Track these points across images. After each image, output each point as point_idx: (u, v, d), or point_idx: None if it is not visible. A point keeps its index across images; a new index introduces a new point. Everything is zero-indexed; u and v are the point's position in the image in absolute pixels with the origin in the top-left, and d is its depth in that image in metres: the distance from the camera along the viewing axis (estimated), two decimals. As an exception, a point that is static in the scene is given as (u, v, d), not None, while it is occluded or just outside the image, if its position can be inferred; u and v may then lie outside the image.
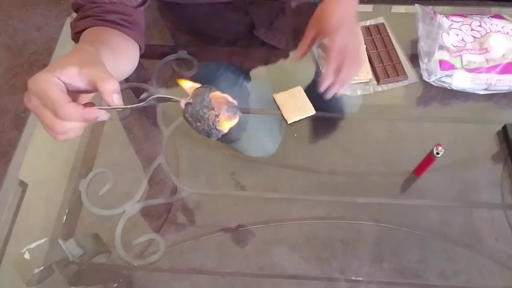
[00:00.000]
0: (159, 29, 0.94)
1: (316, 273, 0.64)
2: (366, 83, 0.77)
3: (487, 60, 0.75)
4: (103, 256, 0.65)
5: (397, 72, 0.77)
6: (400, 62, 0.78)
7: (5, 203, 0.68)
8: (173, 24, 0.93)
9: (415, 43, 0.80)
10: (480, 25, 0.78)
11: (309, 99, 0.76)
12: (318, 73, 0.80)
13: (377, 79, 0.77)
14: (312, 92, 0.75)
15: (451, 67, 0.74)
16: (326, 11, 0.69)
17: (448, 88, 0.75)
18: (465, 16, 0.80)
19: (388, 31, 0.82)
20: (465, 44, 0.76)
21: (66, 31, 0.80)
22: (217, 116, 0.46)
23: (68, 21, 0.84)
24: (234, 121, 0.48)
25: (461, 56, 0.75)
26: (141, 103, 0.48)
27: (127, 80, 0.78)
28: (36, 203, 0.71)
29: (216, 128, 0.47)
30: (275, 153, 0.74)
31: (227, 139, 0.78)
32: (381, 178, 0.72)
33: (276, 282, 0.65)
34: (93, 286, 0.68)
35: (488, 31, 0.77)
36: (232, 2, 0.82)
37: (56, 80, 0.43)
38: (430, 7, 0.82)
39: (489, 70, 0.74)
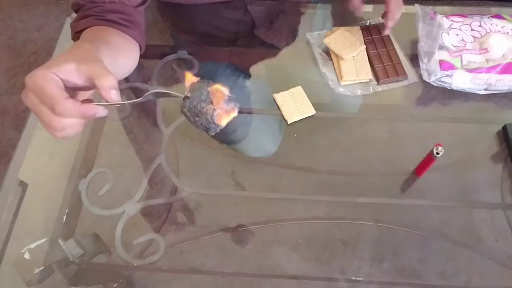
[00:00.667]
0: (159, 29, 0.94)
1: (316, 273, 0.64)
2: (366, 83, 0.77)
3: (487, 60, 0.75)
4: (103, 256, 0.65)
5: (397, 72, 0.77)
6: (400, 62, 0.78)
7: (5, 203, 0.68)
8: (173, 24, 0.93)
9: (415, 43, 0.80)
10: (480, 25, 0.78)
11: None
12: (318, 73, 0.80)
13: (377, 79, 0.77)
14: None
15: (451, 67, 0.74)
16: None
17: (448, 88, 0.75)
18: (465, 16, 0.80)
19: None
20: (465, 44, 0.76)
21: (66, 31, 0.80)
22: (215, 110, 0.46)
23: (68, 21, 0.84)
24: (233, 115, 0.48)
25: (461, 56, 0.75)
26: (139, 99, 0.48)
27: (127, 80, 0.78)
28: (36, 203, 0.71)
29: (214, 123, 0.47)
30: (275, 153, 0.74)
31: (226, 139, 0.78)
32: (381, 178, 0.72)
33: (276, 282, 0.65)
34: (93, 286, 0.68)
35: (488, 31, 0.77)
36: (232, 2, 0.82)
37: (53, 76, 0.43)
38: (430, 7, 0.82)
39: (489, 70, 0.74)
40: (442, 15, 0.79)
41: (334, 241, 0.66)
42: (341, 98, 0.78)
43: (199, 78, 0.47)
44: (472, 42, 0.76)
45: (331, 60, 0.80)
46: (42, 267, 0.61)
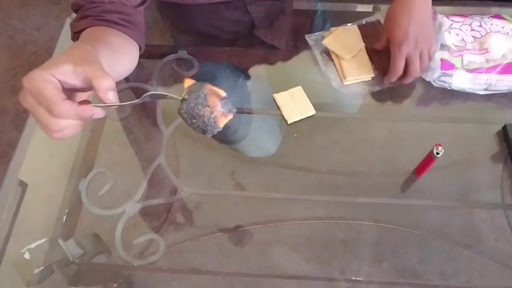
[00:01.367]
0: (159, 29, 0.94)
1: (316, 273, 0.64)
2: (369, 81, 0.77)
3: (487, 60, 0.75)
4: (103, 256, 0.65)
5: None
6: None
7: (5, 203, 0.68)
8: (173, 24, 0.93)
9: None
10: (480, 25, 0.78)
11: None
12: (318, 73, 0.80)
13: (380, 76, 0.77)
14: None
15: (452, 66, 0.74)
16: (392, 19, 0.72)
17: (448, 88, 0.75)
18: (465, 16, 0.80)
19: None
20: (465, 44, 0.76)
21: (66, 31, 0.80)
22: (212, 112, 0.46)
23: (68, 21, 0.84)
24: (229, 117, 0.48)
25: (462, 56, 0.75)
26: (136, 100, 0.48)
27: (127, 80, 0.78)
28: (36, 203, 0.71)
29: (211, 125, 0.47)
30: (275, 153, 0.74)
31: (226, 139, 0.78)
32: (381, 178, 0.72)
33: (276, 282, 0.65)
34: (93, 286, 0.68)
35: (488, 31, 0.77)
36: (232, 2, 0.82)
37: (51, 78, 0.43)
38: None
39: (489, 70, 0.74)
40: (443, 15, 0.79)
41: (334, 241, 0.66)
42: (341, 98, 0.78)
43: (195, 81, 0.47)
44: (472, 42, 0.76)
45: (332, 60, 0.80)
46: (42, 267, 0.61)
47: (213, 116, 0.46)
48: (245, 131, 0.78)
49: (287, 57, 0.85)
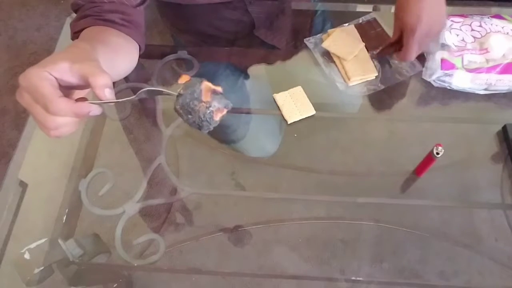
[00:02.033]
0: (159, 29, 0.94)
1: (316, 273, 0.64)
2: (373, 80, 0.77)
3: (487, 60, 0.75)
4: (103, 256, 0.65)
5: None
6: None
7: (5, 203, 0.68)
8: (173, 24, 0.93)
9: (415, 43, 0.80)
10: (480, 25, 0.78)
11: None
12: (317, 72, 0.80)
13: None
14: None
15: (452, 66, 0.74)
16: (403, 9, 0.70)
17: (448, 88, 0.75)
18: (465, 16, 0.80)
19: (382, 24, 0.82)
20: (465, 44, 0.76)
21: (66, 31, 0.80)
22: (207, 108, 0.46)
23: (68, 21, 0.84)
24: (225, 113, 0.48)
25: (462, 56, 0.75)
26: (132, 97, 0.48)
27: (127, 80, 0.78)
28: (36, 203, 0.71)
29: (207, 120, 0.46)
30: (275, 153, 0.74)
31: (226, 139, 0.78)
32: (381, 178, 0.72)
33: (276, 282, 0.65)
34: (93, 286, 0.68)
35: (488, 31, 0.77)
36: (232, 2, 0.82)
37: (47, 75, 0.43)
38: (430, 7, 0.81)
39: (489, 70, 0.74)
40: (442, 15, 0.79)
41: (334, 241, 0.66)
42: (342, 98, 0.78)
43: (191, 77, 0.47)
44: (472, 42, 0.76)
45: (334, 62, 0.80)
46: (42, 267, 0.61)
47: (208, 111, 0.46)
48: (245, 131, 0.78)
49: (287, 57, 0.85)
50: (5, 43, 1.73)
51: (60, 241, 0.63)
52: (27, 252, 0.62)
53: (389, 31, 0.81)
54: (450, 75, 0.74)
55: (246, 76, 0.85)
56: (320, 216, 0.69)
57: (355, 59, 0.78)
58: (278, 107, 0.76)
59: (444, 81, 0.75)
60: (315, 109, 0.75)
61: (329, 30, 0.82)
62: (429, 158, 0.65)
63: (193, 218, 0.69)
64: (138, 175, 0.71)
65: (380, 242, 0.66)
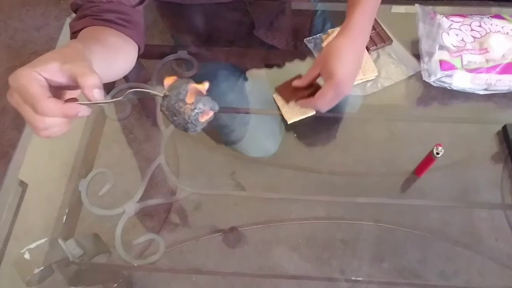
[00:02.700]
0: (159, 29, 0.94)
1: (316, 273, 0.64)
2: (373, 80, 0.77)
3: (487, 60, 0.75)
4: (103, 256, 0.65)
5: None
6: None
7: (5, 203, 0.68)
8: (173, 24, 0.93)
9: (415, 43, 0.80)
10: (480, 25, 0.78)
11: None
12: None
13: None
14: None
15: (452, 67, 0.74)
16: (335, 56, 0.64)
17: (448, 88, 0.75)
18: (465, 16, 0.80)
19: (382, 25, 0.82)
20: (465, 44, 0.76)
21: (66, 31, 0.80)
22: (193, 110, 0.45)
23: (68, 21, 0.84)
24: (211, 115, 0.47)
25: (461, 56, 0.75)
26: (120, 98, 0.48)
27: (127, 80, 0.78)
28: (36, 203, 0.71)
29: (192, 122, 0.46)
30: (275, 153, 0.74)
31: (226, 140, 0.78)
32: (381, 178, 0.72)
33: (276, 282, 0.65)
34: (93, 286, 0.68)
35: (488, 31, 0.77)
36: (232, 2, 0.82)
37: (36, 75, 0.43)
38: (430, 7, 0.82)
39: (489, 70, 0.74)
40: (442, 15, 0.79)
41: (334, 241, 0.66)
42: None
43: (177, 78, 0.47)
44: (472, 42, 0.76)
45: None
46: (42, 267, 0.61)
47: (193, 113, 0.45)
48: (245, 131, 0.78)
49: (287, 57, 0.85)
50: (5, 43, 1.73)
51: (60, 241, 0.63)
52: (27, 252, 0.62)
53: (389, 31, 0.81)
54: (449, 76, 0.74)
55: (246, 77, 0.85)
56: (320, 216, 0.69)
57: (355, 59, 0.78)
58: (278, 107, 0.76)
59: (444, 82, 0.75)
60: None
61: (329, 30, 0.82)
62: (429, 158, 0.65)
63: (193, 218, 0.69)
64: (138, 175, 0.71)
65: (380, 242, 0.66)
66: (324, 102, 0.67)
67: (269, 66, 0.86)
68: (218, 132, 0.77)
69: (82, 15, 0.61)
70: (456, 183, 0.71)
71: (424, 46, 0.77)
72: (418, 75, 0.77)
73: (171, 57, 0.82)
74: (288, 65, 0.84)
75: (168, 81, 0.46)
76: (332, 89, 0.65)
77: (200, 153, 0.77)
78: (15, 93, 0.43)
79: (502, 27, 0.77)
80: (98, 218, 0.67)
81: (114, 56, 0.59)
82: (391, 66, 0.79)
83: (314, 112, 0.74)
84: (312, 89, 0.71)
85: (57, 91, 0.46)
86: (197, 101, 0.45)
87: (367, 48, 0.80)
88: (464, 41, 0.76)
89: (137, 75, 0.78)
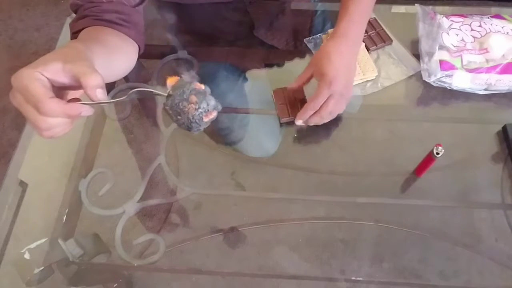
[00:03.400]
0: (159, 29, 0.94)
1: (316, 273, 0.64)
2: (373, 80, 0.77)
3: (487, 60, 0.75)
4: (103, 256, 0.65)
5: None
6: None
7: (5, 203, 0.68)
8: (173, 24, 0.93)
9: (415, 43, 0.80)
10: (480, 25, 0.78)
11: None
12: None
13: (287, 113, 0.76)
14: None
15: (451, 67, 0.74)
16: (325, 58, 0.68)
17: (448, 88, 0.75)
18: (465, 16, 0.80)
19: (382, 25, 0.82)
20: (465, 44, 0.76)
21: (66, 31, 0.80)
22: (196, 109, 0.45)
23: (68, 21, 0.84)
24: (214, 115, 0.48)
25: (461, 56, 0.75)
26: (123, 97, 0.48)
27: (127, 80, 0.78)
28: (36, 203, 0.71)
29: (196, 122, 0.46)
30: (275, 153, 0.74)
31: (226, 140, 0.78)
32: (381, 178, 0.72)
33: (276, 282, 0.65)
34: (93, 286, 0.68)
35: (488, 31, 0.77)
36: (232, 2, 0.82)
37: (39, 75, 0.43)
38: (430, 7, 0.82)
39: (489, 70, 0.74)
40: (442, 15, 0.79)
41: (334, 241, 0.66)
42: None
43: (179, 78, 0.47)
44: (472, 42, 0.76)
45: None
46: (42, 267, 0.61)
47: (197, 113, 0.45)
48: (245, 131, 0.78)
49: (287, 57, 0.85)
50: (5, 43, 1.73)
51: (60, 241, 0.63)
52: (27, 252, 0.62)
53: (389, 31, 0.81)
54: (449, 76, 0.74)
55: (246, 77, 0.85)
56: (320, 216, 0.69)
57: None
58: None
59: (444, 82, 0.75)
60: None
61: (329, 30, 0.82)
62: (429, 158, 0.65)
63: (193, 218, 0.69)
64: (138, 175, 0.71)
65: (380, 242, 0.66)
66: (318, 102, 0.67)
67: (269, 66, 0.86)
68: (218, 132, 0.77)
69: (82, 15, 0.61)
70: (456, 183, 0.71)
71: (424, 46, 0.77)
72: (418, 75, 0.77)
73: (171, 57, 0.82)
74: (288, 65, 0.84)
75: (171, 81, 0.47)
76: (325, 87, 0.66)
77: (200, 153, 0.77)
78: (18, 94, 0.43)
79: (502, 27, 0.77)
80: (98, 218, 0.67)
81: (114, 56, 0.59)
82: (391, 66, 0.79)
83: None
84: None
85: (59, 91, 0.46)
86: (201, 100, 0.46)
87: (367, 48, 0.80)
88: (464, 41, 0.76)
89: (137, 75, 0.78)
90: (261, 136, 0.78)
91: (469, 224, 0.67)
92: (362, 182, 0.72)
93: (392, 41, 0.81)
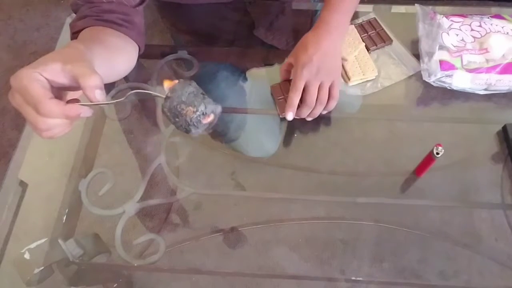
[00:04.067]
0: (159, 29, 0.94)
1: (316, 273, 0.64)
2: (373, 80, 0.77)
3: (487, 60, 0.75)
4: (103, 256, 0.65)
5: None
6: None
7: (5, 203, 0.68)
8: (173, 24, 0.93)
9: (415, 43, 0.80)
10: (480, 25, 0.78)
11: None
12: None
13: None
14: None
15: (451, 67, 0.74)
16: (302, 44, 0.71)
17: (448, 88, 0.75)
18: (465, 16, 0.80)
19: (382, 25, 0.82)
20: (465, 44, 0.76)
21: (66, 31, 0.80)
22: (194, 112, 0.45)
23: (68, 21, 0.84)
24: (213, 117, 0.47)
25: (461, 56, 0.75)
26: (121, 99, 0.48)
27: (127, 80, 0.78)
28: (36, 203, 0.71)
29: (194, 124, 0.46)
30: (275, 153, 0.74)
31: (225, 138, 0.78)
32: (381, 178, 0.72)
33: (276, 282, 0.65)
34: (93, 286, 0.68)
35: (488, 31, 0.77)
36: (232, 2, 0.82)
37: (38, 76, 0.43)
38: (430, 7, 0.82)
39: (489, 70, 0.74)
40: (442, 15, 0.79)
41: (334, 241, 0.66)
42: (341, 98, 0.78)
43: (177, 81, 0.47)
44: (472, 42, 0.76)
45: None
46: (42, 267, 0.61)
47: (195, 116, 0.45)
48: (245, 131, 0.78)
49: (286, 57, 0.85)
50: (5, 43, 1.73)
51: (60, 241, 0.63)
52: (27, 252, 0.62)
53: (389, 31, 0.81)
54: (449, 76, 0.74)
55: (246, 76, 0.85)
56: (320, 216, 0.69)
57: (355, 60, 0.78)
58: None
59: (444, 82, 0.75)
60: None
61: None
62: (429, 158, 0.65)
63: (193, 218, 0.69)
64: (138, 175, 0.71)
65: (380, 242, 0.66)
66: (296, 86, 0.69)
67: (269, 66, 0.86)
68: (218, 132, 0.77)
69: (83, 16, 0.61)
70: (456, 183, 0.71)
71: (424, 46, 0.77)
72: (418, 75, 0.77)
73: (171, 57, 0.82)
74: (288, 65, 0.84)
75: (168, 85, 0.46)
76: (298, 70, 0.69)
77: (200, 153, 0.77)
78: (17, 94, 0.43)
79: (502, 27, 0.77)
80: (98, 218, 0.67)
81: (114, 56, 0.59)
82: (391, 66, 0.79)
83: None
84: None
85: (58, 92, 0.46)
86: (199, 103, 0.45)
87: (367, 48, 0.80)
88: (464, 41, 0.76)
89: (137, 75, 0.78)
90: (261, 136, 0.78)
91: (469, 224, 0.67)
92: (362, 182, 0.72)
93: (392, 41, 0.81)
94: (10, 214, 0.67)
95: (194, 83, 0.47)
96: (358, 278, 0.63)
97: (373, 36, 0.81)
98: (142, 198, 0.68)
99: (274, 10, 0.86)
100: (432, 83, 0.75)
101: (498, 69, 0.73)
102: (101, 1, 0.62)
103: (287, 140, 0.75)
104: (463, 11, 0.83)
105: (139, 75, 0.79)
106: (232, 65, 0.86)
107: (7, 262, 0.64)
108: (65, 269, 0.64)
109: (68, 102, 0.46)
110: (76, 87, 0.45)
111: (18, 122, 1.50)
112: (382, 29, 0.81)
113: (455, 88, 0.75)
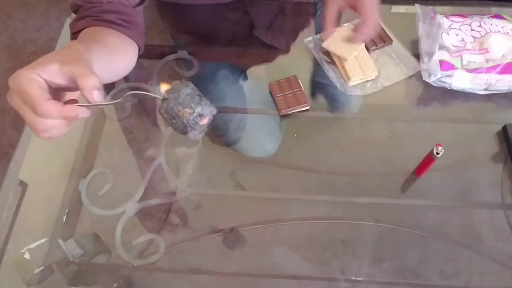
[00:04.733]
0: (159, 29, 0.94)
1: (316, 273, 0.64)
2: (373, 80, 0.77)
3: (487, 60, 0.75)
4: (103, 256, 0.65)
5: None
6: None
7: (5, 203, 0.68)
8: (172, 24, 0.93)
9: (415, 43, 0.80)
10: (480, 25, 0.78)
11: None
12: (317, 72, 0.80)
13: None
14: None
15: (451, 67, 0.74)
16: None
17: (448, 88, 0.75)
18: (465, 16, 0.80)
19: (382, 25, 0.82)
20: (465, 44, 0.76)
21: (66, 31, 0.80)
22: (191, 114, 0.45)
23: (68, 21, 0.84)
24: (210, 119, 0.47)
25: (461, 56, 0.75)
26: (119, 100, 0.48)
27: (127, 80, 0.78)
28: (36, 203, 0.71)
29: (191, 126, 0.46)
30: (275, 153, 0.74)
31: (225, 140, 0.78)
32: (381, 178, 0.72)
33: (276, 282, 0.65)
34: (93, 286, 0.68)
35: (488, 31, 0.77)
36: (232, 3, 0.82)
37: (36, 77, 0.43)
38: (430, 7, 0.82)
39: (489, 70, 0.74)
40: (442, 15, 0.79)
41: (334, 241, 0.66)
42: (342, 97, 0.78)
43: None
44: (472, 42, 0.76)
45: (334, 63, 0.79)
46: (42, 267, 0.61)
47: (192, 117, 0.45)
48: (245, 131, 0.78)
49: (286, 57, 0.85)
50: (5, 43, 1.73)
51: (60, 241, 0.63)
52: (27, 252, 0.62)
53: (389, 31, 0.81)
54: (449, 76, 0.74)
55: (246, 76, 0.85)
56: (320, 216, 0.69)
57: (355, 59, 0.78)
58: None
59: (444, 82, 0.75)
60: (315, 109, 0.75)
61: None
62: (429, 158, 0.65)
63: (193, 218, 0.69)
64: (138, 175, 0.71)
65: (380, 242, 0.66)
66: (373, 13, 0.70)
67: (268, 66, 0.86)
68: (218, 133, 0.77)
69: (82, 16, 0.61)
70: (456, 183, 0.71)
71: (424, 46, 0.77)
72: (418, 75, 0.77)
73: (171, 57, 0.82)
74: (288, 65, 0.84)
75: (166, 85, 0.47)
76: (368, 2, 0.69)
77: (200, 153, 0.77)
78: (15, 95, 0.44)
79: (502, 27, 0.77)
80: (98, 218, 0.67)
81: (115, 56, 0.59)
82: (391, 66, 0.79)
83: (308, 108, 0.74)
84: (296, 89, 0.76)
85: (57, 92, 0.46)
86: (196, 105, 0.45)
87: (367, 48, 0.80)
88: (464, 41, 0.76)
89: (137, 75, 0.78)
90: (261, 136, 0.78)
91: (469, 224, 0.67)
92: (362, 182, 0.72)
93: (392, 41, 0.81)
94: (10, 214, 0.67)
95: (191, 84, 0.47)
96: (358, 278, 0.63)
97: (374, 37, 0.81)
98: (142, 198, 0.68)
99: (274, 10, 0.86)
100: (432, 83, 0.75)
101: (498, 69, 0.73)
102: (101, 1, 0.61)
103: (287, 140, 0.75)
104: (463, 11, 0.83)
105: (139, 75, 0.79)
106: (232, 65, 0.86)
107: (7, 262, 0.64)
108: (65, 269, 0.64)
109: (67, 102, 0.46)
110: (74, 88, 0.45)
111: (18, 122, 1.50)
112: (382, 29, 0.81)
113: (455, 88, 0.75)
